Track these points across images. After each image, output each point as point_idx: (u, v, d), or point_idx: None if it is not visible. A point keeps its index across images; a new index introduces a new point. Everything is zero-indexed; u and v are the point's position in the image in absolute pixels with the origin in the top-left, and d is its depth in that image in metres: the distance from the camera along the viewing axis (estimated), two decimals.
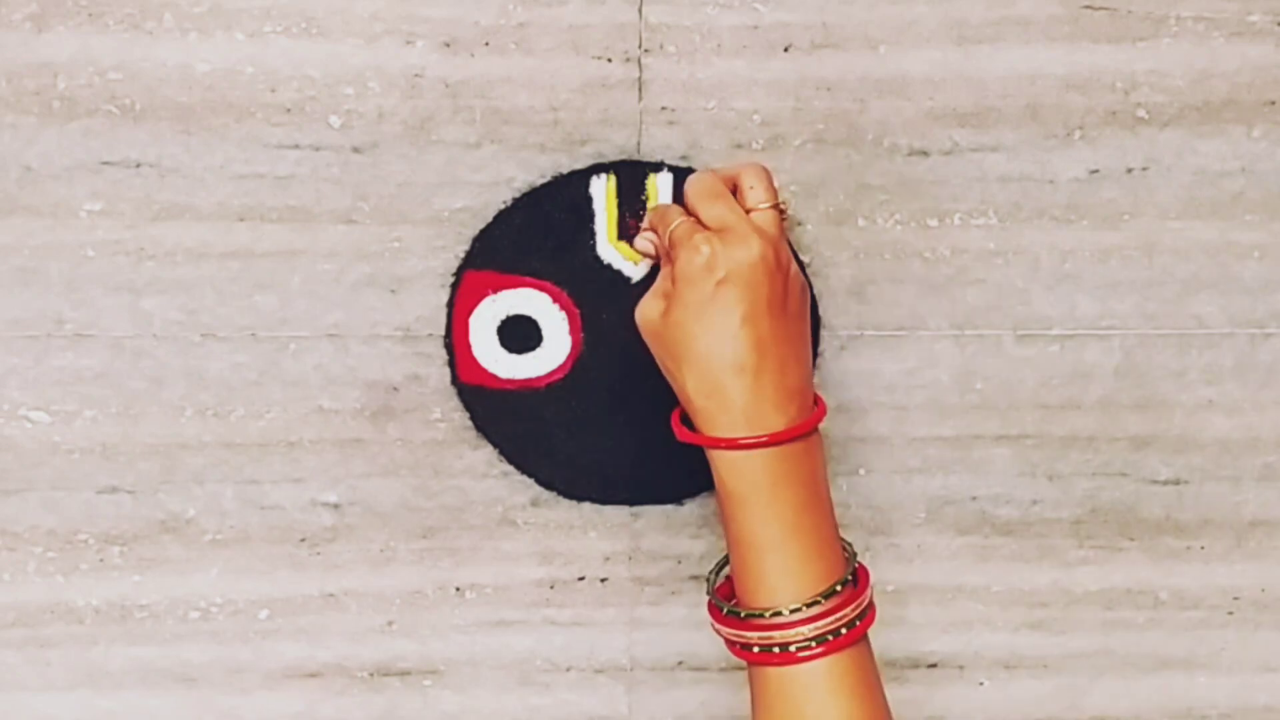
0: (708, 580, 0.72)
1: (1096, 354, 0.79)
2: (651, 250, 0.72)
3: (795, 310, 0.67)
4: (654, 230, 0.70)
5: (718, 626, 0.68)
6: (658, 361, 0.68)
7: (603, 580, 0.80)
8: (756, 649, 0.66)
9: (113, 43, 0.74)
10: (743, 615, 0.66)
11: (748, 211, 0.67)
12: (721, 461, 0.66)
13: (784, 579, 0.65)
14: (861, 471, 0.80)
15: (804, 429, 0.66)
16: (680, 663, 0.81)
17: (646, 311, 0.68)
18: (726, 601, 0.68)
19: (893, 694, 0.81)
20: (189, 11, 0.74)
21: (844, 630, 0.65)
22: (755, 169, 0.69)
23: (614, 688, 0.81)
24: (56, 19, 0.73)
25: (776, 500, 0.65)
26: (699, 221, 0.67)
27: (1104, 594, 0.82)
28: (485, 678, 0.81)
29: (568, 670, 0.81)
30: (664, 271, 0.68)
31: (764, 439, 0.65)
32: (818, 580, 0.65)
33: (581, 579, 0.80)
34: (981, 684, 0.82)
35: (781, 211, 0.69)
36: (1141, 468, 0.80)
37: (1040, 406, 0.79)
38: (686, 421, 0.68)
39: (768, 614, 0.65)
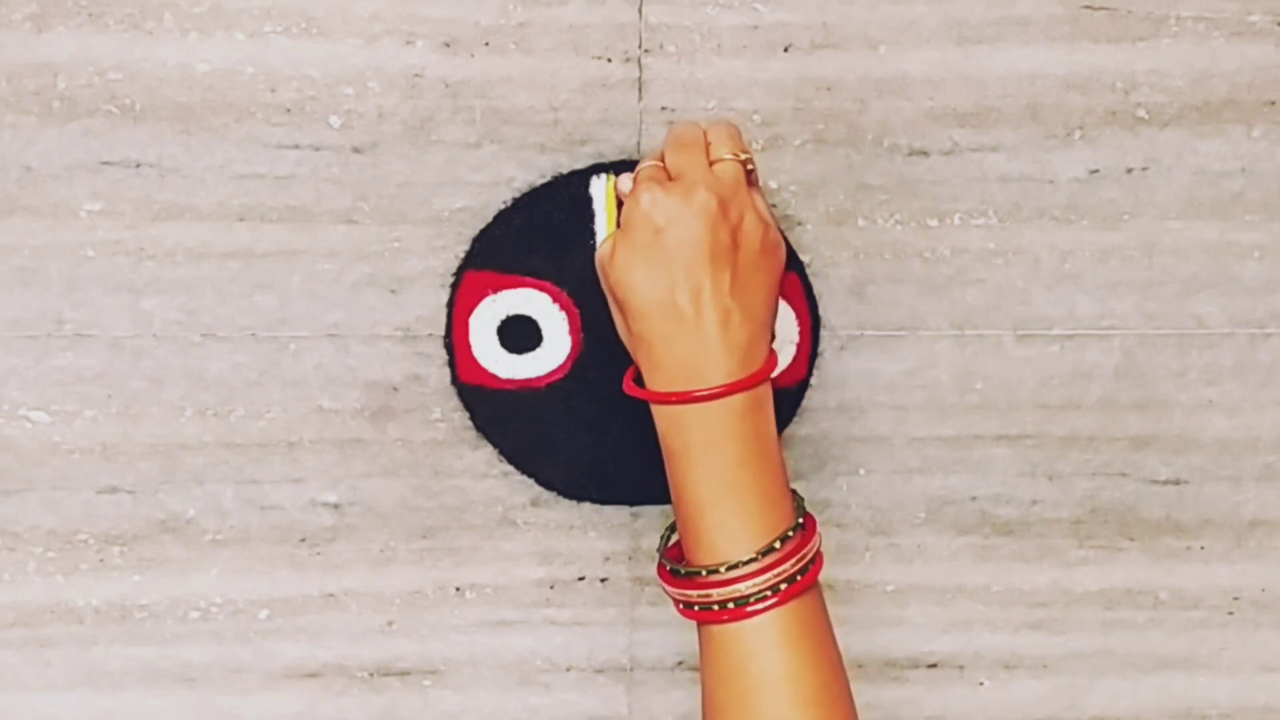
0: (661, 540, 0.72)
1: (1096, 354, 0.79)
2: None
3: (747, 263, 0.65)
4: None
5: (664, 586, 0.67)
6: (611, 308, 0.68)
7: (603, 580, 0.80)
8: (697, 607, 0.65)
9: (113, 43, 0.74)
10: (683, 573, 0.65)
11: (713, 163, 0.66)
12: (659, 416, 0.66)
13: (722, 536, 0.64)
14: (861, 471, 0.80)
15: (743, 385, 0.64)
16: (680, 663, 0.81)
17: (601, 253, 0.67)
18: (676, 563, 0.67)
19: (893, 694, 0.82)
20: (189, 11, 0.74)
21: (784, 585, 0.63)
22: (723, 123, 0.68)
23: (614, 688, 0.81)
24: (56, 19, 0.73)
25: (712, 457, 0.64)
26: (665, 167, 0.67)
27: (1104, 594, 0.82)
28: (485, 678, 0.81)
29: (568, 670, 0.81)
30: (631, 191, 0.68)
31: (700, 393, 0.64)
32: (758, 536, 0.64)
33: (581, 579, 0.80)
34: (981, 684, 0.82)
35: (747, 166, 0.67)
36: (1141, 468, 0.80)
37: (1040, 406, 0.79)
38: (639, 379, 0.68)
39: (706, 571, 0.64)
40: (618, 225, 0.75)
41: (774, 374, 0.67)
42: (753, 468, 0.65)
